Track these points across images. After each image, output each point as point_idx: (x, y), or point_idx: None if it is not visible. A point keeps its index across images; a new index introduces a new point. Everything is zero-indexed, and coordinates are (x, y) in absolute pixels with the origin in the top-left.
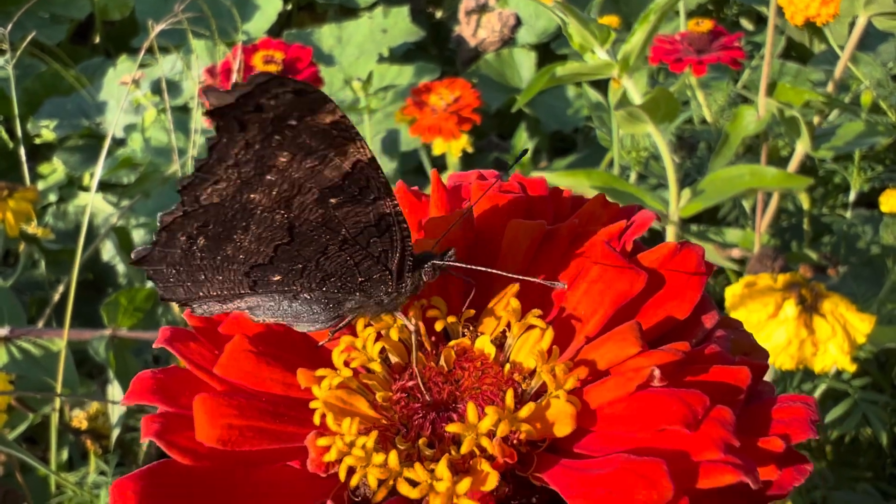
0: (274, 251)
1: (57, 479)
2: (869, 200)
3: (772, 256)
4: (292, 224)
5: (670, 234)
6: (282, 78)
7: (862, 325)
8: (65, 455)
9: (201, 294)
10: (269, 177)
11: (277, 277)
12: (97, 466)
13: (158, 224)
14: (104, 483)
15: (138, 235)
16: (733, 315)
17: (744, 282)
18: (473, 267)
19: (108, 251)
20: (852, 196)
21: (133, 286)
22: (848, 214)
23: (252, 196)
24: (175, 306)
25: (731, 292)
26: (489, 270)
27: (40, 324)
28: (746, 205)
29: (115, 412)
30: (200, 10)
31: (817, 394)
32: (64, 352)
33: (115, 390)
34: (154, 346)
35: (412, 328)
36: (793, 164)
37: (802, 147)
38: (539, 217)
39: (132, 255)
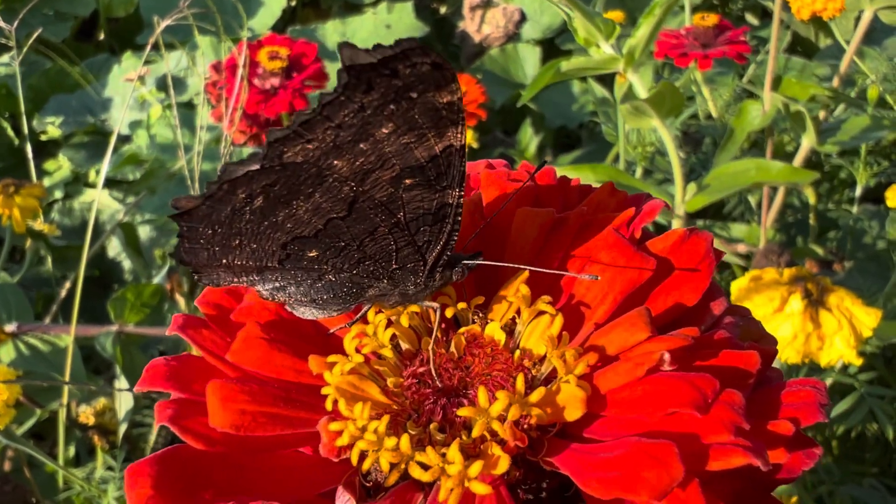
0: (325, 224)
1: (65, 475)
2: (875, 195)
3: (778, 252)
4: (356, 199)
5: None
6: (425, 48)
7: (868, 319)
8: (71, 451)
9: (223, 262)
10: (362, 145)
11: (313, 253)
12: (104, 462)
13: (220, 175)
14: (112, 478)
15: (144, 232)
16: None
17: (749, 276)
18: (500, 264)
19: (114, 247)
20: (858, 191)
21: (139, 282)
22: (854, 209)
23: (335, 162)
24: (181, 302)
25: (737, 286)
26: (515, 266)
27: (47, 320)
28: (752, 200)
29: (123, 407)
30: (205, 5)
31: None
32: (71, 347)
33: (122, 385)
34: (167, 332)
35: (436, 305)
36: (798, 159)
37: (808, 142)
38: (547, 205)
39: (175, 204)
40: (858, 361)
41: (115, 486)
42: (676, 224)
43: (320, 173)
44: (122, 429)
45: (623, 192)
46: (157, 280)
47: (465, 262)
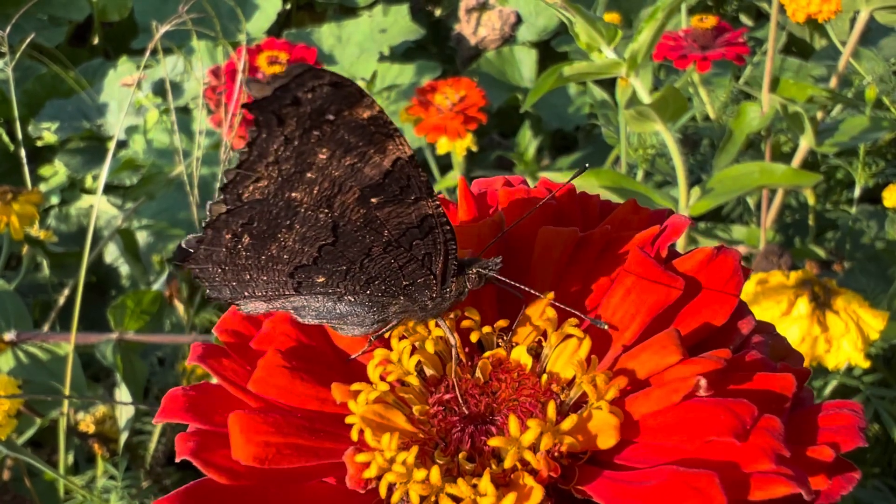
0: (318, 251)
1: (66, 484)
2: (872, 196)
3: (778, 253)
4: (336, 224)
5: None
6: (318, 70)
7: (875, 321)
8: (70, 459)
9: (247, 294)
10: (309, 174)
11: (321, 279)
12: (105, 470)
13: (206, 218)
14: (114, 487)
15: (142, 237)
16: None
17: (756, 279)
18: (518, 285)
19: (112, 253)
20: (857, 191)
21: (137, 288)
22: (852, 210)
23: (294, 195)
24: (180, 308)
25: (743, 290)
26: (531, 291)
27: (45, 327)
28: (751, 201)
29: (124, 416)
30: (202, 9)
31: (828, 390)
32: (72, 356)
33: (122, 393)
34: (187, 363)
35: (453, 342)
36: (796, 160)
37: (806, 143)
38: (569, 223)
39: (178, 253)
40: (866, 364)
41: (118, 495)
42: None
43: (289, 205)
44: (124, 437)
45: (646, 210)
46: (156, 286)
47: (479, 269)
